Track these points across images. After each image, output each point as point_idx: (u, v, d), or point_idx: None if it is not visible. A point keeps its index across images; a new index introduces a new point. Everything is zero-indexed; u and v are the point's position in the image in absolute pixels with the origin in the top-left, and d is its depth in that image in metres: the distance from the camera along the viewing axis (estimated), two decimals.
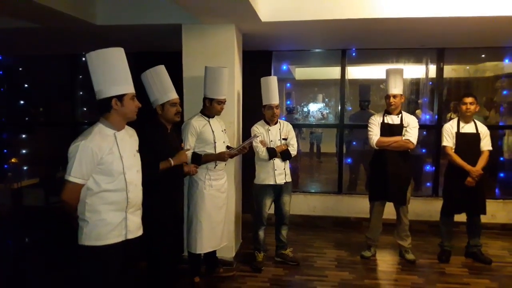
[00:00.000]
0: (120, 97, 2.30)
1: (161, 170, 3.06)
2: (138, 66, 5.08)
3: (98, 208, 2.25)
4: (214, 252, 3.86)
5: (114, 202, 2.28)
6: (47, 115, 6.90)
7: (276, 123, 4.16)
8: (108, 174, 2.25)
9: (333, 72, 6.57)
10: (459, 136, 4.17)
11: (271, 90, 4.06)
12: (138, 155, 2.48)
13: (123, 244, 2.33)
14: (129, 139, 2.42)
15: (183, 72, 4.15)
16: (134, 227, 2.40)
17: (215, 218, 3.69)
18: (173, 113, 3.22)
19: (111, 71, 2.29)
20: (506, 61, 6.58)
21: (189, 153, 3.53)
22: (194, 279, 3.72)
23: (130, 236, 2.36)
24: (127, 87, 2.34)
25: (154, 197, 3.09)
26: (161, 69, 3.27)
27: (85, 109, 6.43)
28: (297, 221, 5.52)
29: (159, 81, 3.21)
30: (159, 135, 3.19)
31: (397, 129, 4.15)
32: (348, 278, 3.94)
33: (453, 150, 4.17)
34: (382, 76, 4.32)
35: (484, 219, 4.32)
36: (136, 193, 2.40)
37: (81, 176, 2.19)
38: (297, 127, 7.04)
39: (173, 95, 3.25)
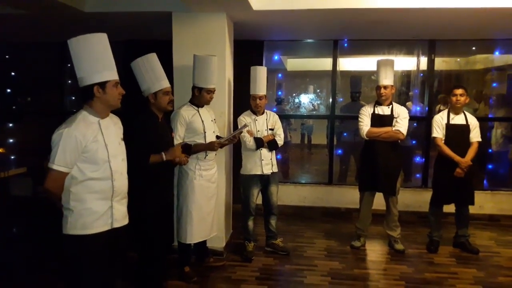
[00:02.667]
0: (102, 84, 2.24)
1: (152, 163, 3.03)
2: (127, 54, 5.03)
3: (83, 197, 2.22)
4: (204, 242, 3.85)
5: (99, 191, 2.25)
6: (35, 103, 6.79)
7: (263, 113, 4.15)
8: (93, 162, 2.21)
9: (325, 63, 6.55)
10: (449, 127, 4.19)
11: (258, 80, 4.05)
12: (123, 143, 2.44)
13: (109, 233, 2.30)
14: (113, 127, 2.38)
15: (173, 60, 4.10)
16: (120, 216, 2.37)
17: (205, 208, 3.68)
18: (166, 102, 3.19)
19: (93, 57, 2.23)
20: (496, 53, 6.62)
21: (179, 144, 3.50)
22: (184, 269, 3.71)
23: (116, 225, 2.34)
24: (110, 74, 2.28)
25: (144, 186, 3.08)
26: (153, 57, 3.22)
27: (73, 98, 6.34)
28: (288, 212, 5.54)
29: (151, 69, 3.17)
30: (150, 124, 3.16)
31: (388, 120, 4.16)
32: (337, 267, 3.97)
33: (443, 142, 4.20)
34: (374, 67, 4.32)
35: (472, 209, 4.36)
36: (122, 181, 2.37)
37: (65, 165, 2.15)
38: (287, 118, 7.06)
39: (166, 84, 3.21)
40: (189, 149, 3.52)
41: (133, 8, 4.05)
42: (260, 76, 4.06)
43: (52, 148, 2.16)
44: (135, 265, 3.18)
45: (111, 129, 2.34)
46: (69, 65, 6.12)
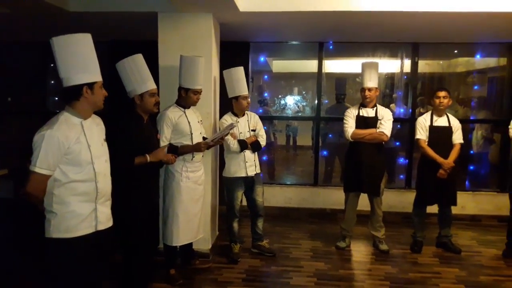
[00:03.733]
0: (90, 85, 2.22)
1: (136, 164, 3.01)
2: (112, 54, 4.97)
3: (66, 200, 2.18)
4: (190, 244, 3.83)
5: (83, 193, 2.22)
6: (16, 104, 6.66)
7: (243, 114, 4.15)
8: (76, 164, 2.18)
9: (310, 65, 6.59)
10: (432, 129, 4.26)
11: (241, 80, 4.04)
12: (106, 144, 2.41)
13: (93, 235, 2.27)
14: (96, 127, 2.35)
15: (159, 61, 4.07)
16: (104, 218, 2.34)
17: (191, 210, 3.65)
18: (152, 104, 3.16)
19: (80, 57, 2.20)
20: (477, 57, 6.76)
21: (165, 145, 3.47)
22: (169, 271, 3.68)
23: (100, 227, 2.31)
24: (97, 75, 2.27)
25: (129, 188, 3.05)
26: (139, 58, 3.18)
27: (56, 98, 6.24)
28: (273, 213, 5.55)
29: (137, 70, 3.13)
30: (135, 126, 3.12)
31: (372, 122, 4.21)
32: (323, 268, 3.99)
33: (426, 143, 4.26)
34: (358, 70, 4.36)
35: (454, 210, 4.45)
36: (106, 183, 2.34)
37: (47, 167, 2.11)
38: (273, 119, 7.08)
39: (152, 85, 3.18)
40: (176, 151, 3.49)
41: (118, 8, 4.00)
42: (241, 77, 4.05)
43: (33, 150, 2.11)
44: (120, 268, 3.15)
45: (94, 130, 2.32)
46: (52, 65, 6.03)
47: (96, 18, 4.30)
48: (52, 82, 6.17)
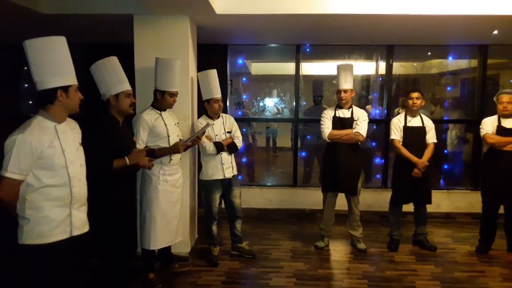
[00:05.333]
0: (65, 88, 2.20)
1: (115, 168, 2.96)
2: (87, 57, 4.87)
3: (40, 205, 2.15)
4: (168, 248, 3.80)
5: (57, 198, 2.18)
6: None
7: (219, 116, 4.15)
8: (49, 168, 2.15)
9: (288, 68, 6.66)
10: (406, 129, 4.35)
11: (214, 83, 4.04)
12: (81, 148, 2.38)
13: (68, 241, 2.24)
14: (71, 131, 2.32)
15: (134, 64, 4.04)
16: (80, 223, 2.31)
17: (169, 213, 3.63)
18: (128, 104, 3.12)
19: (54, 60, 2.18)
20: (450, 58, 6.94)
21: (141, 148, 3.44)
22: (148, 276, 3.64)
23: (76, 233, 2.27)
24: (72, 78, 2.25)
25: (105, 192, 3.00)
26: (114, 60, 3.16)
27: (30, 102, 6.11)
28: (253, 214, 5.56)
29: (113, 71, 3.10)
30: (110, 128, 3.08)
31: (348, 123, 4.28)
32: (302, 268, 4.03)
33: (401, 143, 4.35)
34: (335, 72, 4.42)
35: (429, 208, 4.55)
36: (81, 187, 2.31)
37: (19, 172, 2.07)
38: (252, 121, 7.10)
39: (128, 86, 3.15)
40: (152, 154, 3.47)
41: (92, 10, 3.96)
42: (214, 79, 4.06)
43: (5, 155, 2.07)
44: (97, 273, 3.10)
45: (69, 134, 2.28)
46: (25, 68, 5.90)
47: (70, 21, 4.24)
48: (26, 85, 6.03)
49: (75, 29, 4.63)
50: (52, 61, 2.18)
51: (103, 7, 3.94)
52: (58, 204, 2.20)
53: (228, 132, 4.14)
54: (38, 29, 4.42)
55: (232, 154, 4.16)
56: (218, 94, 4.05)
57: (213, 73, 4.07)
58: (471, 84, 6.35)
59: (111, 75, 3.09)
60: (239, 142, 4.17)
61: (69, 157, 2.22)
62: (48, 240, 2.16)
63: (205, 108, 4.13)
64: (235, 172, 4.20)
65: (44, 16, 4.01)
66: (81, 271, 2.39)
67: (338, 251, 4.51)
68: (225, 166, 4.05)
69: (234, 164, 4.19)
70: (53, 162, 2.16)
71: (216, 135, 4.06)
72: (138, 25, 4.03)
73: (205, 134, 3.91)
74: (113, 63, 3.14)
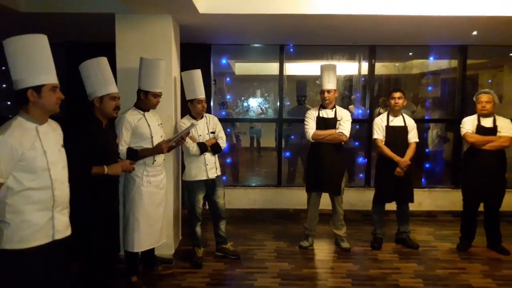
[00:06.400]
0: (37, 88, 2.12)
1: (93, 174, 2.90)
2: (68, 56, 4.79)
3: (21, 209, 2.09)
4: (152, 250, 3.76)
5: (39, 201, 2.13)
6: None
7: (202, 117, 4.12)
8: (30, 171, 2.09)
9: (272, 68, 6.66)
10: (389, 129, 4.40)
11: (198, 83, 4.01)
12: (63, 150, 2.32)
13: (50, 245, 2.18)
14: (52, 133, 2.26)
15: (116, 63, 3.98)
16: (62, 227, 2.26)
17: (153, 215, 3.59)
18: (112, 108, 3.07)
19: (30, 59, 2.11)
20: (431, 59, 7.05)
21: (124, 149, 3.39)
22: (131, 279, 3.59)
23: (58, 237, 2.22)
24: (47, 77, 2.16)
25: (87, 194, 2.95)
26: (103, 61, 3.12)
27: (9, 103, 5.97)
28: (238, 215, 5.55)
29: (100, 72, 3.05)
30: (93, 130, 3.03)
31: (331, 123, 4.30)
32: (287, 268, 4.03)
33: (383, 143, 4.40)
34: (318, 72, 4.44)
35: (412, 207, 4.61)
36: (63, 190, 2.25)
37: None
38: (236, 121, 7.08)
39: (114, 89, 3.11)
40: (135, 155, 3.42)
41: (73, 9, 3.90)
42: (198, 79, 4.03)
43: None
44: (79, 277, 3.04)
45: (50, 136, 2.22)
46: (4, 68, 5.77)
47: (49, 19, 4.15)
48: (4, 85, 5.90)
49: (55, 28, 4.54)
50: (28, 60, 2.12)
51: (83, 5, 3.89)
52: (40, 208, 2.14)
53: (211, 133, 4.11)
54: (16, 28, 4.35)
55: (216, 155, 4.13)
56: (201, 95, 4.02)
57: (197, 73, 4.04)
58: (451, 84, 6.47)
59: (97, 76, 3.04)
60: (222, 143, 4.15)
61: (51, 159, 2.17)
62: (29, 244, 2.11)
63: (188, 108, 4.10)
64: (219, 173, 4.17)
65: (22, 15, 3.92)
66: (63, 275, 2.33)
67: (322, 250, 4.54)
68: (208, 167, 4.03)
69: (218, 165, 4.17)
70: (35, 164, 2.10)
71: (200, 135, 4.03)
72: (120, 25, 3.98)
73: (190, 135, 3.87)
74: (101, 64, 3.09)
